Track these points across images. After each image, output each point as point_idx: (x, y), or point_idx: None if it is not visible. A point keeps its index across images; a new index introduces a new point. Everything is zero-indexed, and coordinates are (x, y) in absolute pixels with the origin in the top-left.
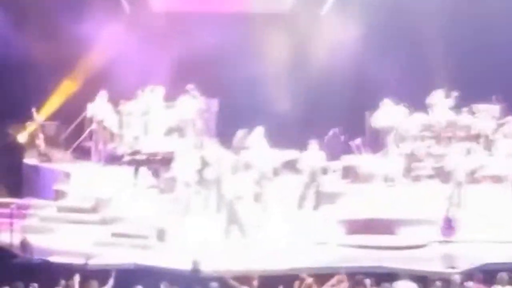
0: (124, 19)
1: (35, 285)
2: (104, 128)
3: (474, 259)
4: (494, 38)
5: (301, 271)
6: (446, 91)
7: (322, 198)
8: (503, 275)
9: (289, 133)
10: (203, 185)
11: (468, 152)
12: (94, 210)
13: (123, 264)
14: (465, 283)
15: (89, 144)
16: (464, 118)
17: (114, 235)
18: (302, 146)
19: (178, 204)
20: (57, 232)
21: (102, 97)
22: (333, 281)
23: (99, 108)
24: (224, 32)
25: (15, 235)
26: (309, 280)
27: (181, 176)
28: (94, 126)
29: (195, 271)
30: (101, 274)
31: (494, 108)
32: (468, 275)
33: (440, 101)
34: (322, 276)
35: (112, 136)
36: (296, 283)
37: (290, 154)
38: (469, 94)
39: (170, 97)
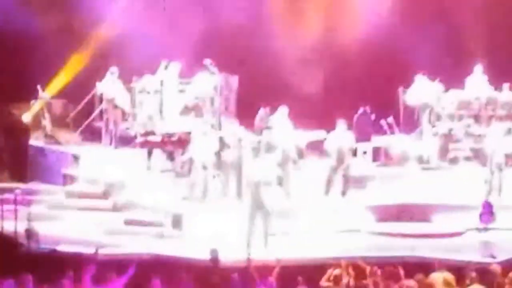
0: None
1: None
2: (115, 107)
3: None
4: None
5: (327, 261)
6: (485, 66)
7: (350, 182)
8: None
9: (315, 112)
10: (222, 168)
11: (509, 132)
12: (105, 195)
13: (137, 253)
14: (510, 274)
15: (99, 124)
16: (505, 95)
17: (126, 222)
18: (329, 126)
19: (195, 189)
20: (65, 219)
21: (112, 73)
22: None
23: (109, 86)
24: (245, 5)
25: (20, 223)
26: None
27: (198, 159)
28: (104, 105)
29: (214, 260)
30: (113, 264)
31: None
32: (509, 265)
33: (479, 77)
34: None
35: (123, 115)
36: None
37: (316, 134)
38: (511, 69)
39: (187, 74)
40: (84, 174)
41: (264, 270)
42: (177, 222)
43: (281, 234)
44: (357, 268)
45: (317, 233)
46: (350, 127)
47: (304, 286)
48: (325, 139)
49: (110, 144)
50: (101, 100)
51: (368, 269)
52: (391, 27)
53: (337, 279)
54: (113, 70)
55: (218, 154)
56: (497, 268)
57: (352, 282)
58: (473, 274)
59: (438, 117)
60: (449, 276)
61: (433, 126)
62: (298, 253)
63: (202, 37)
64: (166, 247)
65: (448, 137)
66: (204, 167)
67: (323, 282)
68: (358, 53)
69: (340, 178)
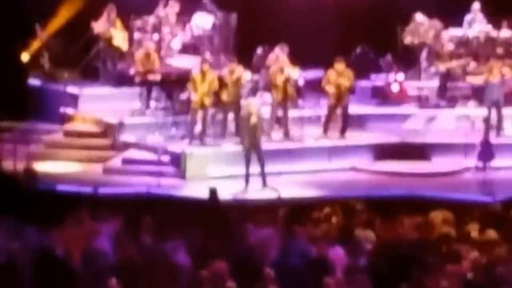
0: None
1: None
2: (112, 46)
3: None
4: None
5: (325, 200)
6: (483, 4)
7: (349, 121)
8: None
9: (314, 51)
10: (220, 107)
11: (508, 70)
12: (103, 134)
13: (135, 192)
14: (506, 213)
15: (98, 63)
16: (503, 32)
17: (125, 161)
18: (327, 64)
19: (194, 127)
20: (64, 158)
21: (110, 11)
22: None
23: (106, 24)
24: None
25: (19, 162)
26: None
27: (197, 98)
28: (101, 44)
29: (213, 200)
30: (112, 203)
31: None
32: (508, 203)
33: (478, 15)
34: (350, 205)
35: (122, 55)
36: (323, 213)
37: (314, 73)
38: (510, 5)
39: (185, 12)
40: (83, 113)
41: (264, 209)
42: (176, 160)
43: (279, 173)
44: (348, 207)
45: (315, 172)
46: (348, 65)
47: (303, 225)
48: (323, 77)
49: (109, 83)
50: (99, 39)
51: (359, 207)
52: None
53: (327, 218)
54: (111, 8)
55: (216, 93)
56: (496, 207)
57: (341, 221)
58: (474, 213)
59: (437, 56)
60: (448, 215)
61: (432, 65)
62: (296, 192)
63: None
64: (165, 186)
65: (447, 76)
66: (203, 106)
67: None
68: None
69: (339, 116)
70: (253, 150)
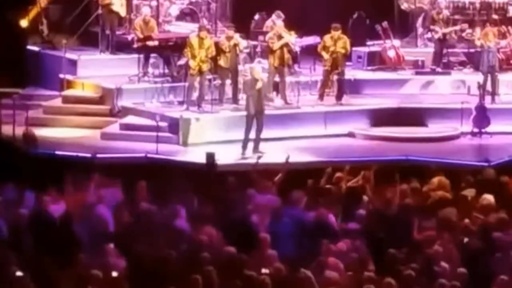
0: None
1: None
2: (111, 12)
3: (509, 152)
4: None
5: (325, 164)
6: None
7: (345, 87)
8: None
9: (310, 18)
10: (218, 73)
11: (504, 36)
12: (102, 100)
13: (134, 156)
14: (501, 178)
15: (96, 29)
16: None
17: (123, 127)
18: (323, 31)
19: (192, 93)
20: (62, 124)
21: None
22: (359, 177)
23: None
24: None
25: (18, 127)
26: (337, 173)
27: (195, 64)
28: (100, 10)
29: (210, 165)
30: (111, 168)
31: None
32: (503, 168)
33: None
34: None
35: (120, 21)
36: (324, 177)
37: (311, 39)
38: None
39: None
40: (81, 79)
41: (265, 174)
42: (174, 126)
43: (277, 139)
44: (354, 171)
45: (313, 137)
46: (344, 32)
47: (302, 189)
48: (319, 43)
49: (107, 49)
50: (97, 5)
51: (363, 173)
52: None
53: (338, 181)
54: None
55: (214, 59)
56: (491, 172)
57: (349, 184)
58: (470, 178)
59: (433, 22)
60: (444, 180)
61: (428, 31)
62: (294, 158)
63: None
64: (163, 151)
65: (443, 42)
66: (201, 72)
67: (323, 182)
68: None
69: (335, 82)
70: (257, 116)
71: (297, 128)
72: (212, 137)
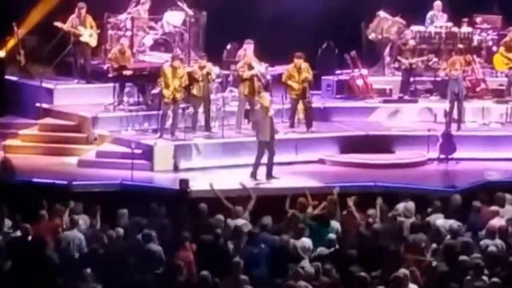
0: None
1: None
2: (82, 42)
3: (474, 177)
4: None
5: (294, 190)
6: (444, 2)
7: (314, 114)
8: (502, 195)
9: (280, 47)
10: (191, 101)
11: (468, 65)
12: (78, 128)
13: (109, 184)
14: (473, 202)
15: (71, 59)
16: (464, 29)
17: (99, 154)
18: (293, 59)
19: (166, 121)
20: (39, 151)
21: (80, 8)
22: (325, 202)
23: (76, 21)
24: None
25: None
26: (303, 199)
27: (169, 93)
28: (72, 40)
29: (184, 191)
30: (86, 195)
31: (496, 18)
32: (470, 194)
33: (439, 12)
34: (316, 195)
35: (93, 50)
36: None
37: (282, 68)
38: (469, 4)
39: (157, 10)
40: (58, 108)
41: (237, 200)
42: (148, 153)
43: (248, 165)
44: (321, 197)
45: (283, 164)
46: (314, 61)
47: (271, 214)
48: (288, 72)
49: (82, 78)
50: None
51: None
52: None
53: (302, 206)
54: (81, 6)
55: (187, 87)
56: (457, 198)
57: (315, 211)
58: (437, 203)
59: (399, 52)
60: (410, 205)
61: (395, 61)
62: (264, 184)
63: None
64: (138, 178)
65: (409, 71)
66: (174, 101)
67: (286, 208)
68: None
69: (304, 110)
70: (270, 142)
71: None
72: (186, 164)
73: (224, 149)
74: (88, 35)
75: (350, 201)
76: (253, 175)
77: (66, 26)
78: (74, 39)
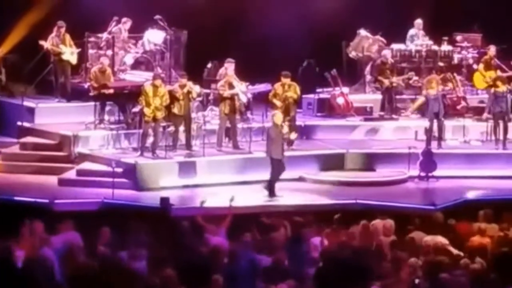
0: None
1: None
2: (62, 61)
3: (454, 195)
4: None
5: (274, 208)
6: (425, 20)
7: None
8: (486, 212)
9: (261, 65)
10: (172, 120)
11: (450, 82)
12: (59, 147)
13: (91, 202)
14: (448, 221)
15: (52, 78)
16: (445, 47)
17: (80, 173)
18: (274, 78)
19: (146, 139)
20: (20, 170)
21: (60, 27)
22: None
23: (56, 39)
24: None
25: None
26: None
27: (149, 111)
28: (52, 59)
29: (165, 209)
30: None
31: (476, 37)
32: (449, 212)
33: (420, 30)
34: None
35: (75, 70)
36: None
37: (262, 86)
38: (450, 23)
39: (138, 29)
40: (39, 127)
41: (214, 218)
42: (129, 172)
43: (230, 183)
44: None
45: (263, 182)
46: (294, 79)
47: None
48: (271, 91)
49: (63, 97)
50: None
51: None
52: None
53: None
54: (60, 24)
55: (168, 106)
56: (439, 216)
57: (289, 232)
58: (417, 221)
59: (380, 72)
60: (390, 223)
61: (375, 81)
62: (245, 202)
63: None
64: (118, 197)
65: (390, 89)
66: (155, 119)
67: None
68: (303, 8)
69: (286, 127)
70: (283, 159)
71: (249, 173)
72: (166, 182)
73: (207, 166)
74: (70, 53)
75: (335, 219)
76: (271, 193)
77: (49, 45)
78: (55, 57)
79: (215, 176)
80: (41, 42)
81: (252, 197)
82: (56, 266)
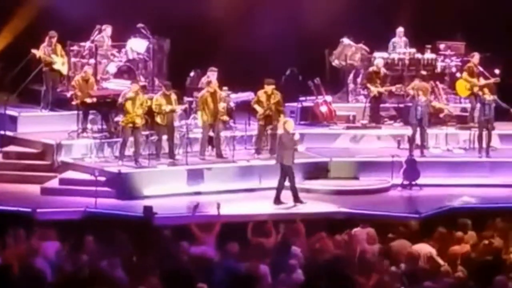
0: None
1: None
2: (53, 70)
3: (438, 203)
4: None
5: (260, 217)
6: (408, 28)
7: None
8: (465, 221)
9: (244, 74)
10: (155, 129)
11: (433, 91)
12: (42, 156)
13: (73, 211)
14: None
15: (36, 87)
16: (428, 56)
17: (62, 182)
18: (257, 86)
19: (130, 148)
20: (3, 179)
21: (51, 37)
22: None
23: (48, 49)
24: None
25: None
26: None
27: (132, 120)
28: (44, 68)
29: (148, 218)
30: (50, 223)
31: (459, 45)
32: (432, 220)
33: (402, 39)
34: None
35: (60, 78)
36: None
37: (245, 95)
38: (433, 31)
39: (120, 37)
40: (22, 135)
41: (202, 227)
42: (111, 181)
43: (214, 192)
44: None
45: (249, 191)
46: (278, 87)
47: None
48: (253, 99)
49: (47, 106)
50: (38, 63)
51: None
52: None
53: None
54: (52, 34)
55: (151, 115)
56: (413, 224)
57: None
58: (401, 229)
59: (370, 80)
60: (372, 232)
61: (364, 88)
62: (230, 210)
63: (135, 2)
64: (101, 205)
65: (378, 98)
66: (137, 128)
67: (249, 235)
68: (287, 16)
69: (269, 136)
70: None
71: (233, 182)
72: (150, 190)
73: (188, 175)
74: (61, 64)
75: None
76: (277, 200)
77: (42, 55)
78: (46, 67)
79: (201, 185)
80: (34, 51)
81: (239, 207)
82: (48, 275)
